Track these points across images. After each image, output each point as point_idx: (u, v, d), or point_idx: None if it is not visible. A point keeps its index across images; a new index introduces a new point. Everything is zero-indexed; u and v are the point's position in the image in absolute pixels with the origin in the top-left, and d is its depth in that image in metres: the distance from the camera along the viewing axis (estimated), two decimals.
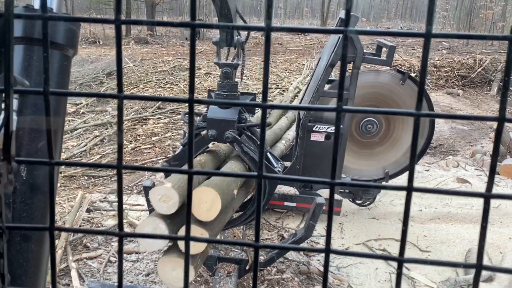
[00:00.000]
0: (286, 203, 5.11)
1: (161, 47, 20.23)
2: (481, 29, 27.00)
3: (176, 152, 3.71)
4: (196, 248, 2.85)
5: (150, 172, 6.17)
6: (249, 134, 3.60)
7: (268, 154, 3.81)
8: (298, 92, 9.90)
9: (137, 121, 8.94)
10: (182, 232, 2.95)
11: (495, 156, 0.48)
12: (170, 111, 9.66)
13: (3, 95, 0.49)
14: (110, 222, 4.92)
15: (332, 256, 4.57)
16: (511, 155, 7.51)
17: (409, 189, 0.46)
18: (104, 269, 4.09)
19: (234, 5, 3.59)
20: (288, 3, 52.72)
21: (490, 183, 0.47)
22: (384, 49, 5.09)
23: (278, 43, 21.75)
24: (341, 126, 4.87)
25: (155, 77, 12.95)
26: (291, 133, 6.02)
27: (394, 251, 4.70)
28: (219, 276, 3.61)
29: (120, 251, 0.50)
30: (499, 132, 0.45)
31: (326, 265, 0.49)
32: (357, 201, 5.40)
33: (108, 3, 25.58)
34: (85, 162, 0.52)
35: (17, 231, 0.98)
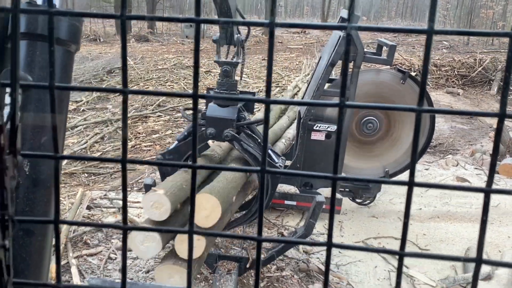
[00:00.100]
0: (286, 202, 5.12)
1: (162, 45, 20.23)
2: (481, 28, 26.97)
3: (171, 147, 3.68)
4: (194, 252, 2.86)
5: (150, 170, 6.17)
6: (249, 132, 3.61)
7: (269, 150, 3.82)
8: (298, 91, 9.90)
9: (137, 119, 8.94)
10: (178, 238, 2.96)
11: (496, 152, 0.48)
12: (171, 109, 9.66)
13: (3, 89, 0.49)
14: (111, 219, 4.93)
15: (331, 254, 4.57)
16: (510, 154, 7.52)
17: (410, 183, 0.47)
18: (104, 266, 4.10)
19: (234, 3, 3.59)
20: (289, 1, 52.68)
21: (490, 178, 0.48)
22: (384, 48, 5.09)
23: (279, 42, 21.75)
24: None
25: (155, 75, 12.95)
26: (291, 132, 6.02)
27: (389, 254, 4.71)
28: (219, 274, 3.62)
29: (124, 244, 0.51)
30: (499, 128, 0.45)
31: (328, 259, 0.49)
32: (357, 200, 5.41)
33: (108, 1, 25.57)
34: (90, 156, 0.53)
35: (20, 226, 0.99)
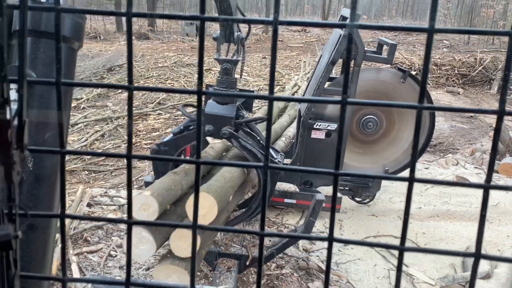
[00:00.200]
0: (286, 200, 5.13)
1: (162, 42, 20.22)
2: (482, 27, 26.91)
3: (166, 139, 3.67)
4: (189, 251, 2.87)
5: (151, 168, 6.18)
6: (247, 130, 3.61)
7: (271, 149, 3.82)
8: (298, 89, 9.91)
9: (137, 117, 8.95)
10: (173, 236, 2.96)
11: (495, 148, 0.49)
12: (171, 107, 9.67)
13: (9, 85, 0.50)
14: (111, 217, 4.94)
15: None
16: (510, 153, 7.53)
17: (411, 179, 0.48)
18: (105, 263, 4.11)
19: (234, 1, 3.60)
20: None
21: (489, 174, 0.48)
22: (385, 47, 5.10)
23: (279, 40, 21.72)
24: None
25: (155, 73, 12.95)
26: (292, 130, 6.03)
27: (390, 249, 4.72)
28: (219, 271, 3.63)
29: (129, 239, 0.52)
30: (498, 125, 0.46)
31: (329, 253, 0.50)
32: (357, 199, 5.42)
33: None
34: (95, 151, 0.54)
35: (24, 221, 1.00)
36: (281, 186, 5.16)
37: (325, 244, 4.68)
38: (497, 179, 6.60)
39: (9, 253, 0.47)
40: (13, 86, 0.49)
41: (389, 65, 5.47)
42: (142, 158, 0.50)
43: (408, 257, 4.37)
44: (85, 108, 9.43)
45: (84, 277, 3.62)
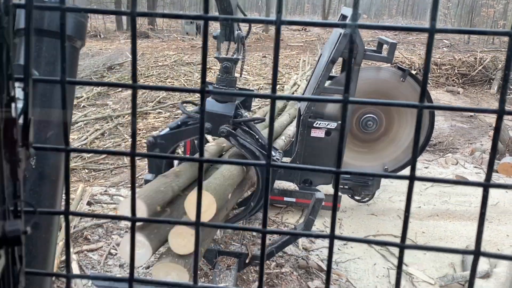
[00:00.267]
0: (286, 199, 5.13)
1: (162, 41, 20.22)
2: (482, 27, 26.93)
3: (163, 132, 3.67)
4: (188, 248, 2.88)
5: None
6: (246, 128, 3.62)
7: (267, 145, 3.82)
8: (297, 88, 9.91)
9: (137, 115, 8.93)
10: (172, 232, 2.97)
11: (494, 148, 0.50)
12: (171, 105, 9.67)
13: (10, 84, 0.50)
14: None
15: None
16: (510, 153, 7.53)
17: (412, 177, 0.48)
18: (105, 261, 4.12)
19: (235, 0, 3.60)
20: None
21: (489, 173, 0.49)
22: (385, 46, 5.10)
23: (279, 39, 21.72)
24: (340, 122, 4.90)
25: (155, 72, 12.95)
26: (292, 129, 6.04)
27: (393, 247, 4.73)
28: (219, 269, 3.64)
29: (132, 236, 0.52)
30: (498, 124, 0.47)
31: (331, 250, 0.51)
32: (356, 197, 5.43)
33: None
34: (99, 149, 0.54)
35: (31, 218, 1.01)
36: (281, 184, 5.16)
37: (325, 243, 4.70)
38: (497, 179, 6.61)
39: (15, 249, 0.47)
40: (16, 84, 0.50)
41: (389, 64, 5.48)
42: (146, 156, 0.50)
43: (407, 256, 4.38)
44: (85, 106, 9.43)
45: (89, 274, 3.63)
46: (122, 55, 14.88)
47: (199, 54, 16.05)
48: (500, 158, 7.14)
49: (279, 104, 7.13)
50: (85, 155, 6.64)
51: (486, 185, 0.47)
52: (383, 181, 5.79)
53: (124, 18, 21.88)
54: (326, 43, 5.43)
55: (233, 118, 3.49)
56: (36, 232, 1.08)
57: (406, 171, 5.44)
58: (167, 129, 3.65)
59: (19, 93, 0.50)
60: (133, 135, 0.50)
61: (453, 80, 13.62)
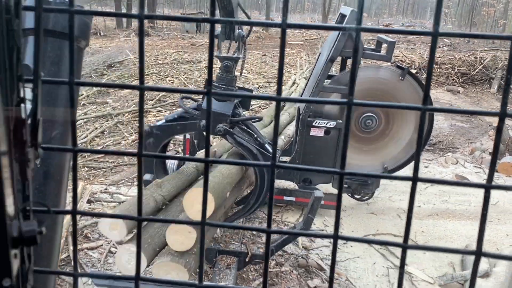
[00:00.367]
0: (285, 197, 5.14)
1: (162, 39, 20.20)
2: (482, 26, 26.96)
3: (159, 123, 3.68)
4: (185, 245, 2.89)
5: None
6: (244, 127, 3.63)
7: (267, 145, 3.81)
8: (296, 87, 9.91)
9: (137, 113, 8.95)
10: (169, 229, 2.97)
11: (496, 150, 0.50)
12: (171, 103, 9.68)
13: (19, 85, 0.51)
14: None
15: (330, 250, 4.61)
16: (509, 153, 7.55)
17: (414, 179, 0.49)
18: (105, 259, 4.13)
19: None
20: None
21: (491, 174, 0.50)
22: (384, 45, 5.11)
23: (279, 38, 21.72)
24: (340, 121, 4.90)
25: (155, 70, 12.94)
26: (291, 128, 6.04)
27: (392, 246, 4.74)
28: (218, 268, 3.65)
29: (138, 236, 0.53)
30: (500, 127, 0.47)
31: (334, 250, 0.51)
32: (356, 196, 5.44)
33: None
34: (107, 150, 0.55)
35: (45, 218, 1.03)
36: (280, 183, 5.17)
37: (325, 242, 4.69)
38: (496, 178, 6.62)
39: (23, 248, 0.48)
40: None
41: (388, 63, 5.48)
42: (153, 156, 0.51)
43: (407, 255, 4.39)
44: (85, 104, 9.43)
45: (95, 272, 3.64)
46: (122, 53, 14.88)
47: (199, 52, 16.05)
48: (500, 158, 7.15)
49: None
50: (85, 154, 6.65)
51: (488, 187, 0.48)
52: (383, 180, 5.80)
53: None
54: (325, 42, 5.44)
55: (230, 117, 3.50)
56: None
57: (406, 170, 5.45)
58: (163, 120, 3.67)
59: (27, 93, 0.51)
60: (140, 136, 0.51)
61: (453, 79, 13.62)
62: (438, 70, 13.77)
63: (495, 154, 0.51)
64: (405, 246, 0.51)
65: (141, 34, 0.49)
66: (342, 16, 5.23)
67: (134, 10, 29.64)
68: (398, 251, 4.55)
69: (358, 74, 4.64)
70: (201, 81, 11.84)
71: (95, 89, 10.19)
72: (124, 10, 25.27)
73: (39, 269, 0.51)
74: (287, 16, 0.48)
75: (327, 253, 4.55)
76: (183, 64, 13.86)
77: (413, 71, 12.17)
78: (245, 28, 3.99)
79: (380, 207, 5.65)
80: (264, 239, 4.49)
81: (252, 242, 4.37)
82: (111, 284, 2.90)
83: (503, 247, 4.78)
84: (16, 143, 0.45)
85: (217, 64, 3.70)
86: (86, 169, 6.23)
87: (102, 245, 4.34)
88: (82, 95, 9.92)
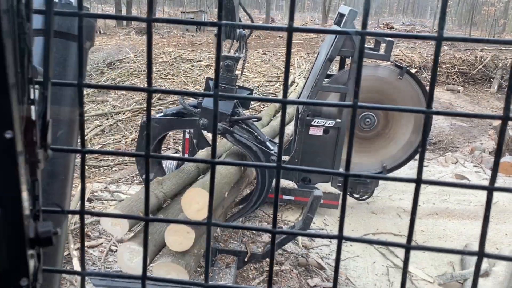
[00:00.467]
0: (284, 197, 5.15)
1: (162, 38, 20.19)
2: (482, 25, 26.96)
3: (158, 115, 3.69)
4: (184, 245, 2.91)
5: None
6: (244, 126, 3.64)
7: (268, 143, 3.82)
8: (296, 86, 9.92)
9: (138, 112, 8.96)
10: (168, 229, 2.99)
11: (499, 151, 0.51)
12: (171, 102, 9.68)
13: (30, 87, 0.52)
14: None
15: (330, 249, 4.62)
16: (509, 152, 7.56)
17: (418, 181, 0.50)
18: (105, 257, 4.14)
19: None
20: None
21: (494, 176, 0.50)
22: (382, 44, 5.11)
23: (279, 36, 21.73)
24: (339, 120, 4.91)
25: (156, 68, 12.94)
26: (290, 128, 6.05)
27: (396, 247, 4.75)
28: (218, 268, 3.66)
29: (145, 236, 0.54)
30: (503, 129, 0.48)
31: (339, 251, 0.52)
32: (355, 195, 5.44)
33: None
34: (115, 151, 0.56)
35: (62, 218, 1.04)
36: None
37: (325, 241, 4.69)
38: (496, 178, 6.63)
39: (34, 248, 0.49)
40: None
41: (388, 62, 5.49)
42: (161, 158, 0.52)
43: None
44: (85, 103, 9.43)
45: (102, 271, 3.65)
46: (122, 51, 14.87)
47: (199, 51, 16.05)
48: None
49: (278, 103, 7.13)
50: None
51: (491, 189, 0.49)
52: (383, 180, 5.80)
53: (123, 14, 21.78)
54: (324, 41, 5.44)
55: (230, 116, 3.50)
56: None
57: (405, 169, 5.45)
58: (161, 113, 3.68)
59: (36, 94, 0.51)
60: (147, 137, 0.52)
61: (453, 78, 13.63)
62: (438, 69, 13.77)
63: (498, 156, 0.52)
64: (408, 247, 0.52)
65: (149, 37, 0.49)
66: (341, 15, 5.23)
67: (134, 8, 29.63)
68: (397, 250, 4.56)
69: None
70: (201, 80, 11.84)
71: None
72: (124, 8, 25.24)
73: (47, 268, 0.52)
74: (293, 20, 0.48)
75: (327, 252, 4.56)
76: (183, 63, 13.86)
77: (413, 71, 12.19)
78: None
79: (380, 206, 5.66)
80: (263, 238, 4.50)
81: (251, 241, 4.38)
82: (109, 284, 2.91)
83: (503, 247, 4.79)
84: (26, 144, 0.46)
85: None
86: (87, 167, 6.24)
87: (102, 243, 4.35)
88: None
